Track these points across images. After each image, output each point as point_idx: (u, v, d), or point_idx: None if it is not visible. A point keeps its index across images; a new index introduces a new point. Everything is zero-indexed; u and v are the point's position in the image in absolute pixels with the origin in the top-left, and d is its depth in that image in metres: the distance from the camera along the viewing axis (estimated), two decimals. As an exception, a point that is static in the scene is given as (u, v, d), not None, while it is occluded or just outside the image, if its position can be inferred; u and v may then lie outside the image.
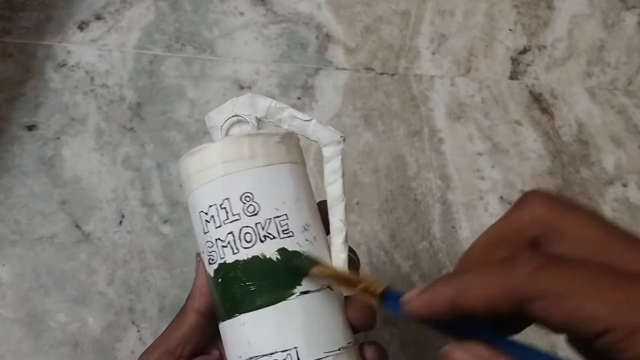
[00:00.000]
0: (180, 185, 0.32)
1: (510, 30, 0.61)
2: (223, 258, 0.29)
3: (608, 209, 0.56)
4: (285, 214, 0.29)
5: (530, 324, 0.23)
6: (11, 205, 0.47)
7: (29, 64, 0.51)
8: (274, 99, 0.32)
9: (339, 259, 0.30)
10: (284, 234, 0.29)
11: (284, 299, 0.28)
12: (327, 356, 0.28)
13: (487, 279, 0.21)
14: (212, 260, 0.30)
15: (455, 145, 0.56)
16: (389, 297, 0.25)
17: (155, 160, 0.50)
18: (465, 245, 0.52)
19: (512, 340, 0.22)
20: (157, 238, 0.48)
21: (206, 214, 0.30)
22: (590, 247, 0.22)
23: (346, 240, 0.31)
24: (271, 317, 0.28)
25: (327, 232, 0.32)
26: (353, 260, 0.31)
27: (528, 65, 0.60)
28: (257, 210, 0.29)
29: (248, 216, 0.29)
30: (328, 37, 0.57)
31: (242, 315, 0.29)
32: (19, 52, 0.51)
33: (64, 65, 0.52)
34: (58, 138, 0.50)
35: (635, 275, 0.20)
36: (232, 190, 0.29)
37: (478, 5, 0.61)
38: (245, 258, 0.29)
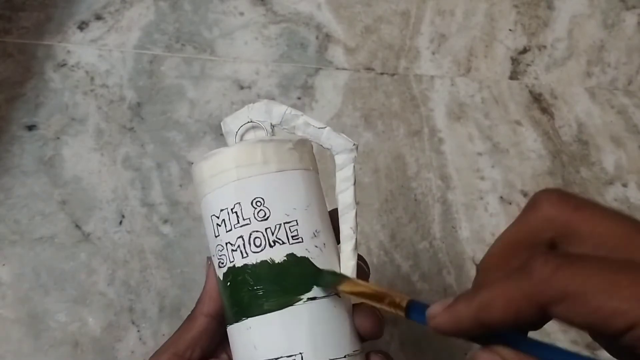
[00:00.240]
0: (195, 189, 0.32)
1: (510, 30, 0.61)
2: (232, 262, 0.29)
3: (608, 209, 0.56)
4: (296, 220, 0.29)
5: (550, 319, 0.23)
6: (11, 205, 0.47)
7: (29, 64, 0.51)
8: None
9: (348, 267, 0.31)
10: (293, 239, 0.29)
11: (291, 305, 0.28)
12: None
13: (507, 290, 0.21)
14: (222, 263, 0.30)
15: (455, 145, 0.56)
16: (414, 309, 0.25)
17: (155, 160, 0.50)
18: (465, 245, 0.53)
19: (535, 340, 0.22)
20: (157, 238, 0.48)
21: (217, 217, 0.30)
22: (609, 243, 0.21)
23: (356, 247, 0.31)
24: (278, 322, 0.28)
25: (338, 239, 0.32)
26: (362, 268, 0.31)
27: (528, 65, 0.60)
28: (267, 215, 0.29)
29: (258, 221, 0.29)
30: (328, 37, 0.57)
31: (249, 319, 0.29)
32: (19, 52, 0.51)
33: (64, 65, 0.52)
34: (58, 138, 0.50)
35: None
36: (243, 195, 0.29)
37: (478, 5, 0.61)
38: (254, 262, 0.29)
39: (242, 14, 0.56)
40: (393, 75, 0.57)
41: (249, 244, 0.29)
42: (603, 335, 0.20)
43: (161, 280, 0.47)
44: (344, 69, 0.56)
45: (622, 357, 0.22)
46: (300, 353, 0.28)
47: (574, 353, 0.20)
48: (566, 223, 0.22)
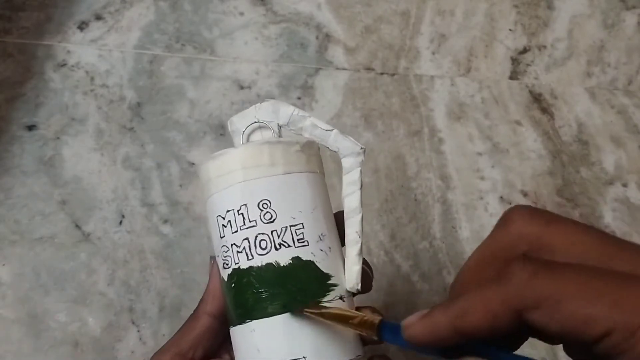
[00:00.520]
0: (201, 188, 0.32)
1: (510, 30, 0.61)
2: (237, 263, 0.29)
3: (608, 209, 0.56)
4: (302, 223, 0.29)
5: (526, 339, 0.23)
6: (11, 205, 0.47)
7: (29, 64, 0.51)
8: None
9: (352, 271, 0.30)
10: (299, 242, 0.29)
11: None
12: None
13: (485, 295, 0.21)
14: (227, 264, 0.30)
15: (455, 145, 0.56)
16: (385, 328, 0.25)
17: (155, 160, 0.50)
18: (465, 245, 0.52)
19: (507, 353, 0.22)
20: (157, 238, 0.48)
21: (223, 218, 0.30)
22: (581, 255, 0.22)
23: (361, 252, 0.31)
24: (281, 325, 0.28)
25: (343, 243, 0.32)
26: (367, 272, 0.31)
27: (528, 65, 0.60)
28: (273, 217, 0.29)
29: (264, 223, 0.29)
30: (328, 37, 0.57)
31: (253, 321, 0.29)
32: (19, 52, 0.51)
33: (64, 65, 0.52)
34: (58, 138, 0.50)
35: (630, 276, 0.20)
36: (250, 197, 0.29)
37: (478, 5, 0.61)
38: (260, 265, 0.29)
39: (242, 14, 0.56)
40: (393, 75, 0.57)
41: (255, 246, 0.29)
42: (577, 344, 0.20)
43: (161, 280, 0.47)
44: (344, 69, 0.56)
45: None
46: (304, 357, 0.28)
47: None
48: (539, 237, 0.22)
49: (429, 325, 0.22)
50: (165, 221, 0.49)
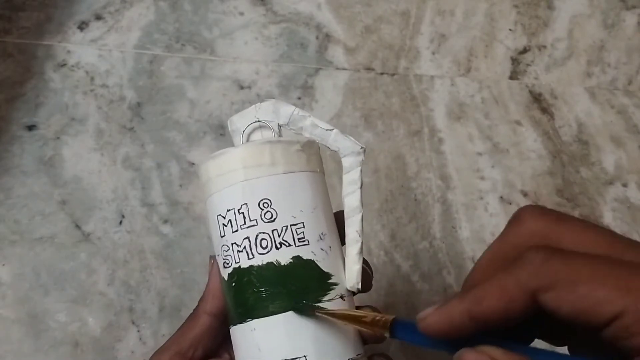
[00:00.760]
0: (201, 188, 0.32)
1: (510, 30, 0.61)
2: (238, 262, 0.29)
3: (608, 209, 0.56)
4: (302, 222, 0.29)
5: (533, 340, 0.24)
6: (11, 205, 0.47)
7: (29, 64, 0.51)
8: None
9: (352, 271, 0.30)
10: (299, 242, 0.29)
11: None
12: None
13: (500, 280, 0.21)
14: (227, 264, 0.30)
15: (455, 145, 0.56)
16: (398, 326, 0.25)
17: (155, 160, 0.50)
18: (465, 245, 0.53)
19: (526, 345, 0.22)
20: (157, 238, 0.48)
21: (224, 217, 0.30)
22: (591, 251, 0.22)
23: (361, 251, 0.31)
24: (282, 324, 0.28)
25: (343, 242, 0.32)
26: (367, 272, 0.31)
27: (528, 65, 0.60)
28: (274, 217, 0.29)
29: (265, 222, 0.29)
30: (328, 37, 0.57)
31: (254, 320, 0.29)
32: (19, 52, 0.51)
33: (64, 65, 0.52)
34: (58, 138, 0.50)
35: None
36: (250, 196, 0.29)
37: (478, 5, 0.61)
38: (260, 264, 0.29)
39: (242, 14, 0.56)
40: (393, 75, 0.57)
41: (255, 245, 0.29)
42: (587, 329, 0.20)
43: (161, 280, 0.47)
44: (344, 69, 0.56)
45: None
46: (304, 356, 0.28)
47: (565, 355, 0.21)
48: (550, 235, 0.23)
49: (445, 314, 0.22)
50: (165, 221, 0.49)
